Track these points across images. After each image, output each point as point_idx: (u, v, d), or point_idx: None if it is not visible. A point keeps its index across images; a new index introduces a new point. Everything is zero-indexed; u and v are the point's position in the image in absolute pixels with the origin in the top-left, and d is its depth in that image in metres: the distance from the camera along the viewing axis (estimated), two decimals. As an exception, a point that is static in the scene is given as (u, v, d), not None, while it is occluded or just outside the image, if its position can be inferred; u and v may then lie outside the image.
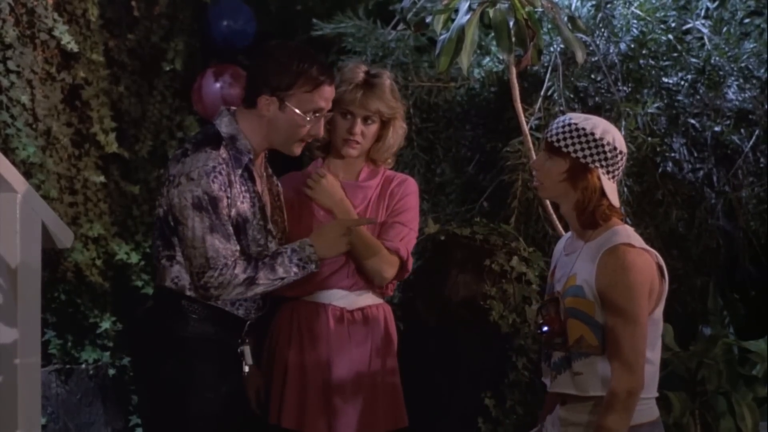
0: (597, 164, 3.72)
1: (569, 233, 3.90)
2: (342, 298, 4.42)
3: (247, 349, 4.17)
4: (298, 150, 4.15)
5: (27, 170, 5.55)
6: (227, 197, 3.99)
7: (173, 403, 4.02)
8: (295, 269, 4.05)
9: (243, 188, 4.06)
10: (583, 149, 3.71)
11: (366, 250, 4.35)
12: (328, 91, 4.09)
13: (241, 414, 4.16)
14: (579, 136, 3.72)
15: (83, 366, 5.81)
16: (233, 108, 4.15)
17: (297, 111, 4.03)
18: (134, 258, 5.94)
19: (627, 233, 3.73)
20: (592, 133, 3.72)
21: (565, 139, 3.73)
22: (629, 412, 3.62)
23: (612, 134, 3.74)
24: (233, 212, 4.02)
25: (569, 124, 3.74)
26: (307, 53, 4.09)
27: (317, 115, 4.07)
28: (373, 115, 4.42)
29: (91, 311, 5.84)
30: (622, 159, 3.76)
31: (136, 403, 5.89)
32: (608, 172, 3.73)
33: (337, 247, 4.16)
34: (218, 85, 6.11)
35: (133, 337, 4.32)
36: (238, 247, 4.01)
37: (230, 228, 4.00)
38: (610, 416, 3.61)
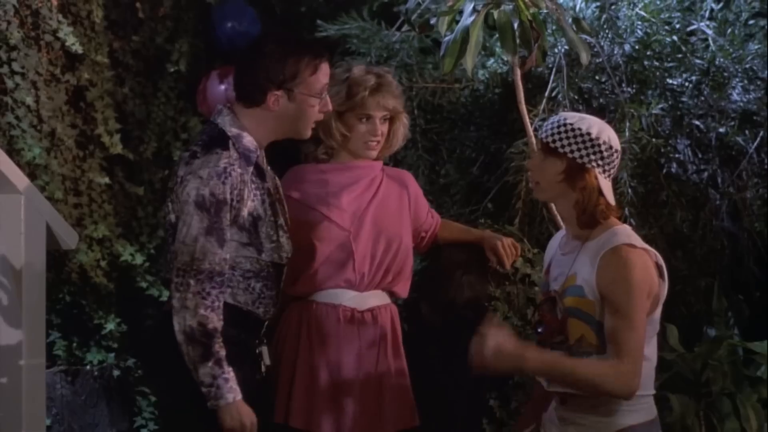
0: (594, 164, 3.72)
1: (562, 231, 3.90)
2: (352, 299, 4.43)
3: (265, 350, 4.16)
4: (309, 131, 4.17)
5: (32, 171, 5.55)
6: (235, 200, 3.98)
7: (193, 404, 4.01)
8: (205, 385, 3.92)
9: (254, 186, 4.06)
10: (579, 149, 3.71)
11: None
12: (326, 67, 4.14)
13: (258, 414, 4.14)
14: (575, 137, 3.72)
15: (88, 367, 5.82)
16: (229, 105, 4.15)
17: (308, 96, 4.06)
18: (139, 259, 5.95)
19: (627, 233, 3.74)
20: (588, 133, 3.72)
21: (561, 139, 3.73)
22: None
23: (607, 133, 3.74)
24: (245, 212, 4.01)
25: (565, 125, 3.74)
26: (296, 39, 4.16)
27: (324, 93, 4.11)
28: (388, 113, 4.46)
29: (96, 312, 5.85)
30: (617, 158, 3.76)
31: (155, 403, 5.88)
32: (604, 171, 3.73)
33: (235, 424, 3.98)
34: (223, 86, 6.11)
35: (150, 338, 4.31)
36: (228, 256, 3.98)
37: (227, 234, 3.97)
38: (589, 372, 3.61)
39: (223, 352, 3.92)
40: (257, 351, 4.14)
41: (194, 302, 3.91)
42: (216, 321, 3.92)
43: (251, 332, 4.11)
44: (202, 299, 3.92)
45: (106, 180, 5.93)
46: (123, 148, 6.01)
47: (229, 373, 3.92)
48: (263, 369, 4.16)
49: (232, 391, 3.92)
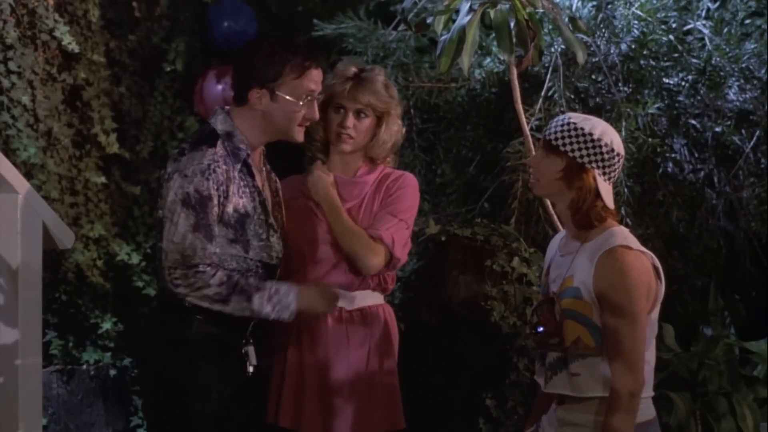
0: (593, 165, 3.72)
1: (563, 233, 3.90)
2: (341, 298, 4.42)
3: (251, 350, 4.17)
4: (300, 136, 4.17)
5: (28, 171, 5.55)
6: (221, 196, 3.99)
7: (178, 403, 4.02)
8: (268, 309, 4.05)
9: (242, 183, 4.07)
10: (580, 149, 3.72)
11: (348, 237, 4.34)
12: (316, 75, 4.13)
13: (245, 414, 4.16)
14: (577, 136, 3.72)
15: (84, 367, 5.81)
16: (227, 107, 4.17)
17: (289, 98, 4.06)
18: (135, 259, 5.94)
19: (624, 235, 3.73)
20: (591, 134, 3.72)
21: (563, 138, 3.73)
22: (633, 412, 3.63)
23: (610, 136, 3.74)
24: (230, 209, 4.03)
25: (568, 124, 3.74)
26: (289, 42, 4.16)
27: (309, 98, 4.10)
28: (365, 108, 4.42)
29: (92, 312, 5.84)
30: (619, 161, 3.76)
31: (141, 404, 5.89)
32: (604, 174, 3.73)
33: (317, 306, 4.17)
34: (220, 86, 6.11)
35: (138, 338, 4.32)
36: (218, 250, 4.00)
37: (215, 229, 4.00)
38: (615, 417, 3.61)
39: (248, 284, 4.02)
40: (243, 351, 4.15)
41: (199, 282, 3.97)
42: (223, 276, 3.99)
43: (235, 332, 4.12)
44: (202, 275, 3.97)
45: (103, 179, 5.93)
46: (119, 148, 6.01)
47: (267, 288, 4.03)
48: (250, 369, 4.16)
49: (285, 295, 4.05)
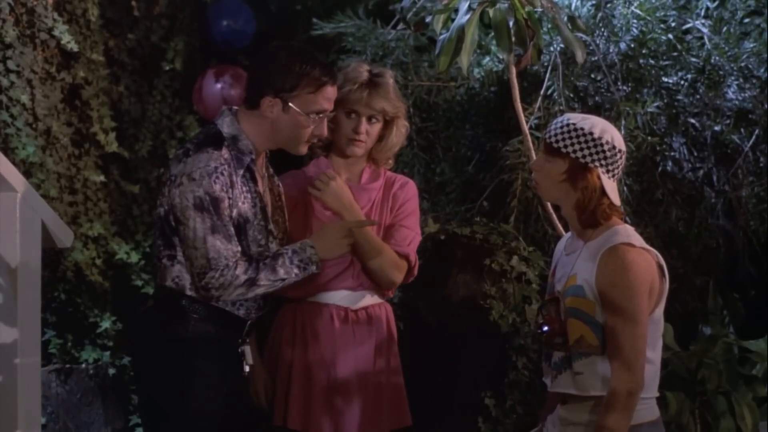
0: (596, 163, 3.72)
1: (570, 233, 3.90)
2: (345, 298, 4.42)
3: (247, 349, 4.17)
4: (304, 149, 4.17)
5: (27, 170, 5.55)
6: (228, 198, 3.99)
7: (174, 403, 4.02)
8: (296, 270, 4.06)
9: (244, 188, 4.06)
10: (582, 149, 3.71)
11: (376, 255, 4.35)
12: (331, 92, 4.10)
13: (241, 414, 4.16)
14: (578, 136, 3.72)
15: (83, 365, 5.81)
16: (235, 108, 4.16)
17: (300, 112, 4.04)
18: (134, 257, 5.94)
19: (627, 233, 3.73)
20: (591, 133, 3.72)
21: (564, 139, 3.73)
22: (629, 412, 3.62)
23: (611, 133, 3.74)
24: (234, 213, 4.02)
25: (567, 125, 3.74)
26: (309, 54, 4.11)
27: (320, 115, 4.08)
28: (378, 114, 4.43)
29: (91, 311, 5.85)
30: (621, 158, 3.76)
31: (137, 403, 5.89)
32: (608, 171, 3.73)
33: (338, 248, 4.17)
34: (219, 85, 6.11)
35: (134, 336, 4.32)
36: (239, 248, 4.01)
37: (231, 229, 4.00)
38: (610, 416, 3.61)
39: (265, 258, 4.04)
40: (239, 350, 4.15)
41: (228, 277, 3.98)
42: (244, 263, 4.00)
43: (232, 331, 4.13)
44: (229, 270, 3.98)
45: (102, 178, 5.93)
46: (118, 147, 6.01)
47: (284, 254, 4.05)
48: (246, 368, 4.17)
49: (303, 251, 4.07)
